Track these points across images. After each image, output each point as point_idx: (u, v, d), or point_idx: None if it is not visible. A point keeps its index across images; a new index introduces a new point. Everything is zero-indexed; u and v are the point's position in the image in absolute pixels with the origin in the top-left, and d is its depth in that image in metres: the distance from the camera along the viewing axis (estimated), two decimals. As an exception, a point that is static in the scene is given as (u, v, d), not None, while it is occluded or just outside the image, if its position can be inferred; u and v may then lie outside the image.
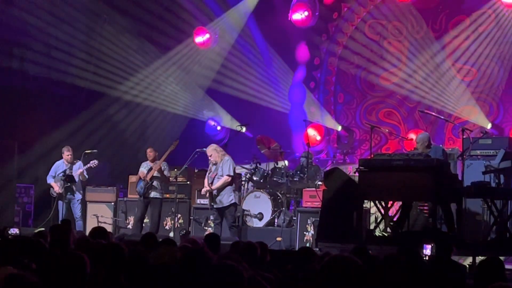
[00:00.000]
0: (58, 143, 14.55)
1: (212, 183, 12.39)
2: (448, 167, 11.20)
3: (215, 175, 12.38)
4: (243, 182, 14.96)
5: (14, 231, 12.00)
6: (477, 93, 15.79)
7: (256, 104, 17.45)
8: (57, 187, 13.85)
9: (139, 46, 16.71)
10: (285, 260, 6.57)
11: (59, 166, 14.07)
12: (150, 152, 13.47)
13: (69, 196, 13.92)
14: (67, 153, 14.00)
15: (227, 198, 12.36)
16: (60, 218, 13.70)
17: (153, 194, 13.32)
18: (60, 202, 13.86)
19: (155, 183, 13.30)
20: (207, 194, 12.50)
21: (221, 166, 12.35)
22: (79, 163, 14.03)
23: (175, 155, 14.08)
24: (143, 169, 13.44)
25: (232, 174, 12.44)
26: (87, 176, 14.07)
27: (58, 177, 13.96)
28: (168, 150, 13.33)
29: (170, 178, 14.11)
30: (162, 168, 13.26)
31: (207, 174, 12.65)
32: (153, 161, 13.41)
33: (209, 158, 12.49)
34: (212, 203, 12.46)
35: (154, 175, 13.25)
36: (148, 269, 5.14)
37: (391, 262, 4.93)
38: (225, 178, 12.33)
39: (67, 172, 13.89)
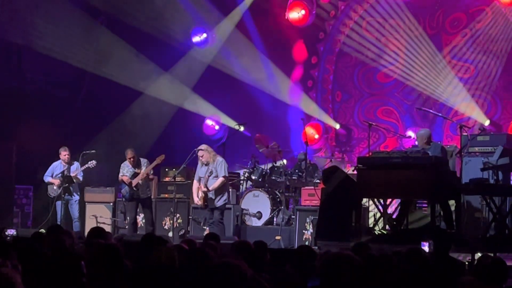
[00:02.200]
0: (56, 145, 14.54)
1: (205, 184, 12.35)
2: (447, 164, 11.21)
3: (209, 177, 12.34)
4: (241, 181, 14.97)
5: (11, 232, 12.00)
6: (474, 90, 15.81)
7: (254, 103, 17.46)
8: (57, 181, 13.84)
9: (137, 48, 16.68)
10: (283, 259, 6.57)
11: (57, 167, 14.07)
12: (131, 154, 13.28)
13: (67, 197, 13.92)
14: (64, 153, 13.99)
15: (220, 198, 12.39)
16: (59, 219, 13.73)
17: (140, 196, 13.31)
18: (58, 203, 13.86)
19: (140, 187, 13.26)
20: (200, 194, 12.41)
21: (214, 167, 12.31)
22: (76, 164, 14.03)
23: (173, 155, 14.06)
24: (126, 173, 13.31)
25: (227, 175, 12.51)
26: (81, 179, 14.05)
27: (56, 178, 13.97)
28: (153, 163, 13.27)
29: (168, 178, 14.15)
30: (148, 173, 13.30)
31: (197, 175, 12.56)
32: (134, 164, 13.33)
33: (200, 158, 12.43)
34: (206, 203, 12.41)
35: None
36: (147, 270, 5.14)
37: (387, 261, 4.94)
38: (222, 180, 12.34)
39: (65, 173, 13.89)
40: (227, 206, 13.57)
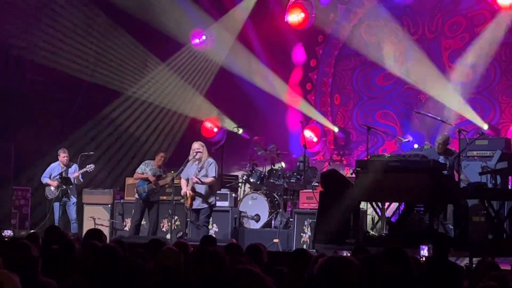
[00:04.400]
0: (55, 146, 14.54)
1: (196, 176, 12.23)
2: (445, 168, 11.20)
3: (199, 172, 12.22)
4: (239, 184, 14.96)
5: (8, 233, 11.97)
6: (473, 94, 15.80)
7: (253, 106, 17.45)
8: (55, 183, 13.81)
9: (137, 48, 16.67)
10: (280, 262, 6.56)
11: (55, 168, 14.05)
12: (162, 157, 13.35)
13: (65, 199, 13.90)
14: (63, 155, 13.98)
15: (208, 199, 12.32)
16: (56, 220, 13.72)
17: (154, 198, 13.27)
18: (56, 204, 13.84)
19: (159, 190, 13.27)
20: (188, 194, 12.30)
21: (205, 167, 12.21)
22: (74, 166, 14.01)
23: (171, 157, 14.05)
24: (149, 171, 13.25)
25: (217, 176, 12.44)
26: (82, 180, 14.04)
27: (53, 179, 13.95)
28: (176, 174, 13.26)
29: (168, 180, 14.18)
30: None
31: (185, 174, 12.38)
32: (161, 165, 13.32)
33: (195, 153, 12.24)
34: (192, 204, 12.29)
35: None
36: (147, 272, 5.11)
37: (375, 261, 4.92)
38: (212, 179, 12.27)
39: (63, 174, 13.87)
40: (225, 208, 13.58)
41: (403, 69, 16.53)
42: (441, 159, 11.52)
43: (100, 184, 15.31)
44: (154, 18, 16.41)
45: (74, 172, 13.89)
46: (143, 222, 13.68)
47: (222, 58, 17.37)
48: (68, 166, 13.98)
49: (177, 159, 13.81)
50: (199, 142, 12.51)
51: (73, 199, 14.02)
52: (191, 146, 12.54)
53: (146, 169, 13.30)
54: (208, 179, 12.22)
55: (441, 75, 16.02)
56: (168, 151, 15.05)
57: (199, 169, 12.19)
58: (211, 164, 12.27)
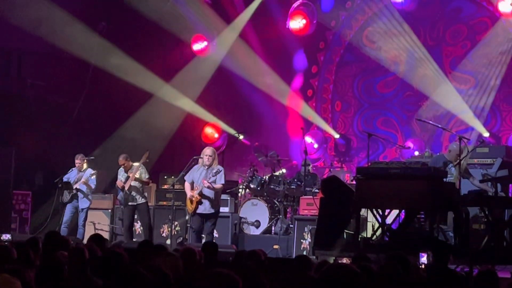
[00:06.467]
0: (55, 151, 14.52)
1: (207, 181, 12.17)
2: (446, 175, 11.20)
3: (208, 179, 12.17)
4: (240, 190, 14.95)
5: (6, 236, 11.96)
6: (474, 101, 15.81)
7: (253, 112, 17.45)
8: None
9: (137, 56, 16.67)
10: (281, 268, 6.56)
11: (71, 172, 13.93)
12: (123, 161, 13.26)
13: (75, 203, 13.79)
14: (76, 161, 13.87)
15: (215, 205, 12.28)
16: (64, 222, 13.64)
17: (135, 201, 13.20)
18: (68, 206, 13.71)
19: (133, 192, 13.19)
20: (194, 198, 12.23)
21: (214, 174, 12.14)
22: (88, 171, 13.87)
23: (172, 162, 14.04)
24: (121, 177, 13.28)
25: (224, 184, 12.41)
26: (93, 186, 13.86)
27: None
28: (140, 162, 13.16)
29: (167, 186, 14.08)
30: (139, 174, 13.14)
31: (190, 177, 12.30)
32: (127, 169, 13.28)
33: (205, 159, 12.17)
34: (195, 210, 12.21)
35: (131, 184, 13.13)
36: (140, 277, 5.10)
37: (386, 272, 4.92)
38: (221, 186, 12.24)
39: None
40: (225, 214, 13.55)
41: (403, 76, 16.55)
42: (450, 166, 11.53)
43: (100, 189, 15.29)
44: (156, 22, 16.43)
45: (87, 177, 13.76)
46: (141, 228, 13.71)
47: (223, 64, 17.36)
48: (82, 170, 13.87)
49: (176, 165, 13.78)
50: (211, 149, 12.47)
51: (82, 204, 13.84)
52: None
53: (119, 176, 13.33)
54: (218, 185, 12.20)
55: (442, 82, 16.03)
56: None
57: (213, 174, 12.11)
58: (221, 171, 12.24)
